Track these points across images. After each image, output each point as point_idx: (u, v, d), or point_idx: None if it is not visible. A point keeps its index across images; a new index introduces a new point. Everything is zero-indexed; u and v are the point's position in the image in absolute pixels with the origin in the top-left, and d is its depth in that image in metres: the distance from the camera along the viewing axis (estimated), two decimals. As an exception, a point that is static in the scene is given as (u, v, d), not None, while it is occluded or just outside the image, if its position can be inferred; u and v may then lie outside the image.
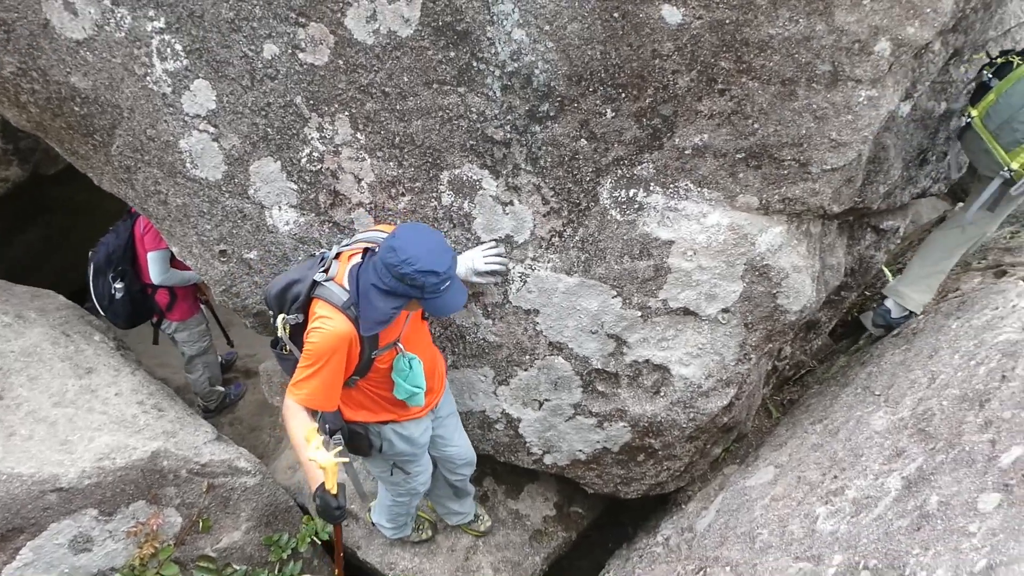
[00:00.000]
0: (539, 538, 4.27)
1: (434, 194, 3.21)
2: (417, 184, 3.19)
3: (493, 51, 2.85)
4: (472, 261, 3.21)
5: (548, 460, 3.85)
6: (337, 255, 2.94)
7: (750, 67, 2.76)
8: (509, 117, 2.98)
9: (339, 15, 2.86)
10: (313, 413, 2.83)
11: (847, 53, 2.71)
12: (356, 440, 3.25)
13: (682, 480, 3.95)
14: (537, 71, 2.86)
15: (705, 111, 2.88)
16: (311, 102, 3.06)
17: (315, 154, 3.18)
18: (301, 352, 2.84)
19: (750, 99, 2.82)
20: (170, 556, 3.50)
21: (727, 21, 2.68)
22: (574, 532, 4.39)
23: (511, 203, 3.18)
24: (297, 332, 2.94)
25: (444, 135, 3.06)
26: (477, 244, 3.28)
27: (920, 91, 3.12)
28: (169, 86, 3.07)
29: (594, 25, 2.74)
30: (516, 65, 2.86)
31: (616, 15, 2.71)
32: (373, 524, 4.17)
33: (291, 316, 2.91)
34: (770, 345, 3.44)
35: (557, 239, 3.24)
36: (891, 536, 2.15)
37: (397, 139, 3.10)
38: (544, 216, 3.19)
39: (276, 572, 3.87)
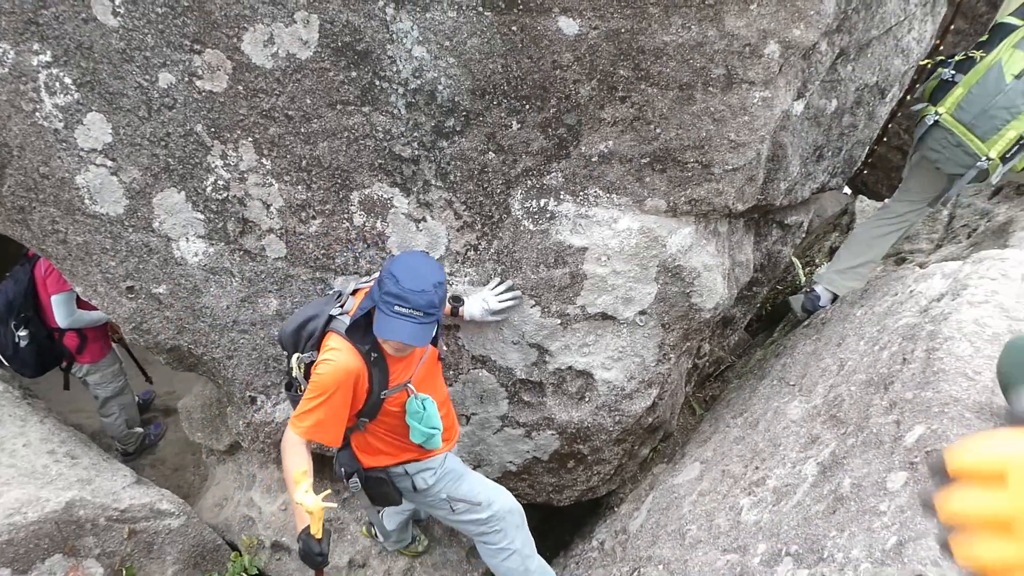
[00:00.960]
0: (476, 554, 4.24)
1: (345, 215, 3.18)
2: (327, 206, 3.16)
3: (395, 69, 2.85)
4: (486, 302, 3.19)
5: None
6: (354, 291, 2.90)
7: (648, 74, 2.83)
8: (416, 134, 2.98)
9: (235, 40, 2.81)
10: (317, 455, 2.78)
11: (739, 57, 2.80)
12: (378, 487, 3.10)
13: (613, 483, 3.99)
14: (440, 87, 2.86)
15: (608, 118, 2.93)
16: (212, 130, 3.00)
17: (220, 182, 3.11)
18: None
19: (650, 105, 2.89)
20: (93, 608, 3.36)
21: (623, 30, 2.74)
22: (511, 545, 4.37)
23: (424, 219, 3.17)
24: (311, 370, 2.85)
25: (351, 155, 3.04)
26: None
27: (811, 90, 3.24)
28: (60, 121, 2.97)
29: (493, 39, 2.76)
30: (419, 82, 2.86)
31: (515, 28, 2.74)
32: (375, 536, 4.04)
33: (306, 354, 2.84)
34: (688, 343, 3.52)
35: (472, 253, 3.25)
36: (809, 521, 2.21)
37: (304, 162, 3.07)
38: (458, 231, 3.20)
39: (207, 614, 3.76)
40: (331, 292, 3.06)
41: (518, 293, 3.27)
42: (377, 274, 2.93)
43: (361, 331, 2.72)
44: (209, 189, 3.12)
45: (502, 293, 3.23)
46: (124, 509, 3.55)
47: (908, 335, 2.64)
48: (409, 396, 2.88)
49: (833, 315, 3.51)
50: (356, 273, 3.31)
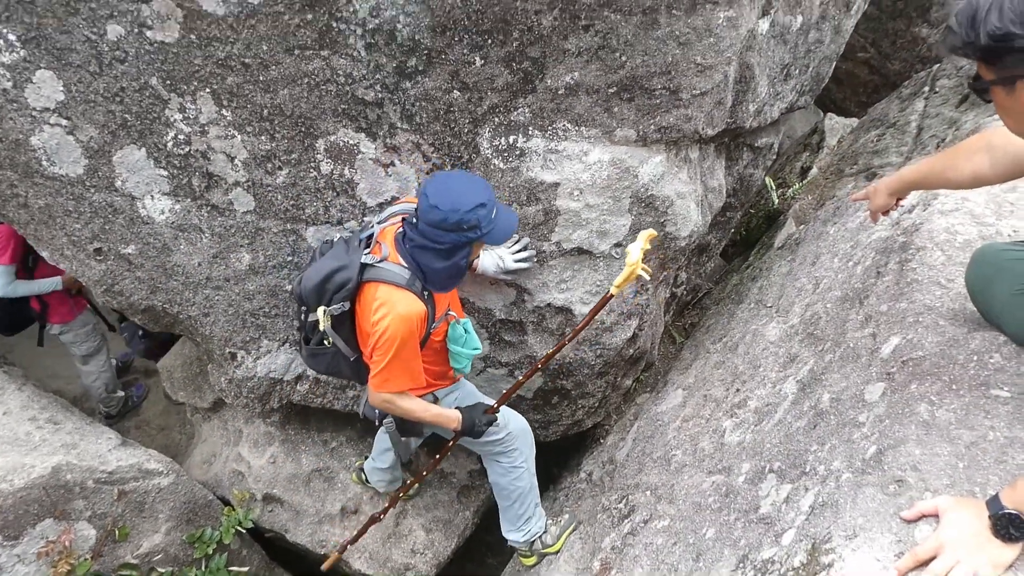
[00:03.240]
0: (467, 493, 4.30)
1: (312, 164, 3.12)
2: (293, 156, 3.10)
3: (352, 9, 2.77)
4: (501, 260, 3.18)
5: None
6: (370, 236, 2.85)
7: (610, 0, 2.77)
8: (378, 76, 2.91)
9: (183, -13, 2.72)
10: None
11: (702, -24, 2.75)
12: (406, 424, 3.17)
13: (598, 415, 4.04)
14: (400, 25, 2.79)
15: (572, 49, 2.87)
16: (168, 82, 2.91)
17: (181, 136, 3.04)
18: (347, 342, 2.85)
19: (614, 32, 2.83)
20: (88, 570, 3.37)
21: (582, -45, 2.67)
22: (501, 481, 4.44)
23: (392, 164, 3.13)
24: (341, 321, 2.82)
25: (314, 102, 2.97)
26: (363, 210, 3.22)
27: (776, 7, 3.20)
28: (9, 80, 2.87)
29: (451, -28, 2.69)
30: (377, 21, 2.78)
31: (472, -41, 2.66)
32: (366, 482, 4.11)
33: (336, 306, 2.77)
34: (665, 273, 3.53)
35: (444, 195, 3.21)
36: (791, 438, 2.26)
37: (265, 111, 2.99)
38: (427, 173, 3.15)
39: (203, 569, 3.79)
40: (340, 240, 2.95)
41: (533, 253, 3.25)
42: (392, 211, 2.93)
43: (414, 271, 2.73)
44: (170, 144, 3.05)
45: (518, 252, 3.22)
46: (112, 471, 3.55)
47: (881, 248, 2.66)
48: (451, 322, 2.95)
49: (807, 235, 3.53)
50: (328, 223, 3.27)
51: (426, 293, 2.77)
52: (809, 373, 2.49)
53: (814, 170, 5.08)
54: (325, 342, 2.90)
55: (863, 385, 2.14)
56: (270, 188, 3.18)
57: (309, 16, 2.78)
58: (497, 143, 3.07)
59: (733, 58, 2.98)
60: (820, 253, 3.18)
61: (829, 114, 6.11)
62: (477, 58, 2.87)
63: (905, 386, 1.97)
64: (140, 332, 5.42)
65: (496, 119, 3.03)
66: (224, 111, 2.99)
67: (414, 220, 2.68)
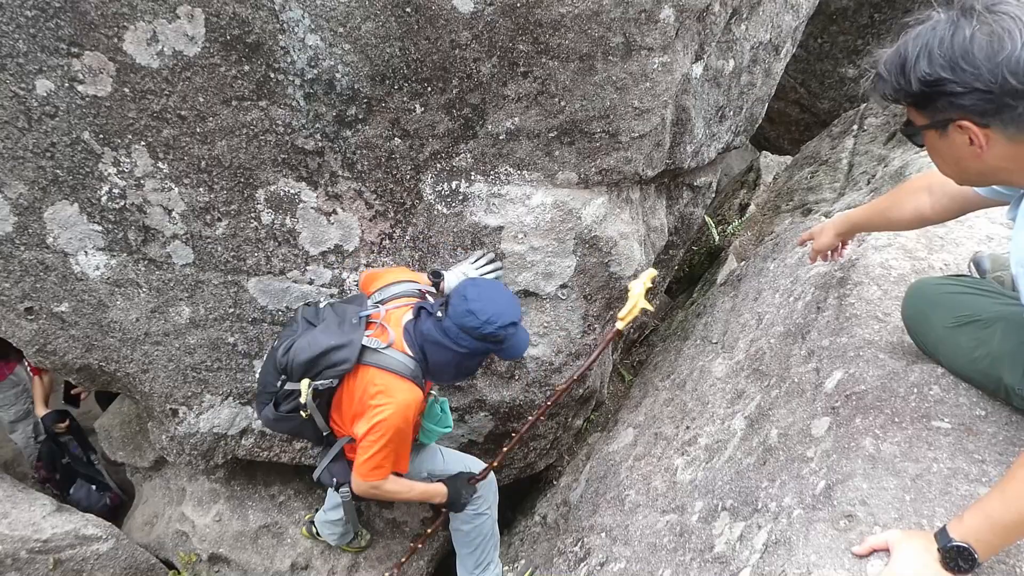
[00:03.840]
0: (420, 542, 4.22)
1: (252, 214, 3.08)
2: (233, 207, 3.06)
3: (289, 60, 2.76)
4: (465, 276, 3.10)
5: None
6: (369, 316, 2.77)
7: (548, 47, 2.81)
8: (318, 125, 2.90)
9: (116, 40, 2.67)
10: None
11: (635, 23, 2.81)
12: None
13: (550, 457, 4.02)
14: (338, 75, 2.79)
15: (512, 95, 2.90)
16: (101, 136, 2.86)
17: (115, 190, 2.97)
18: (324, 416, 2.84)
19: (553, 78, 2.87)
20: (23, 646, 3.21)
21: (518, 5, 2.71)
22: (455, 528, 4.36)
23: (334, 212, 3.10)
24: (323, 396, 2.78)
25: (253, 152, 2.94)
26: (306, 260, 3.19)
27: (709, 51, 3.28)
28: (-68, 138, 2.79)
29: (388, 22, 2.70)
30: (316, 71, 2.78)
31: (409, 10, 2.68)
32: (316, 535, 3.97)
33: (324, 381, 2.71)
34: (611, 312, 3.54)
35: (388, 241, 3.19)
36: (742, 474, 2.27)
37: (203, 163, 2.95)
38: (371, 220, 3.14)
39: (147, 636, 3.64)
40: (327, 308, 2.87)
41: (500, 265, 3.21)
42: (397, 292, 2.87)
43: (419, 362, 2.73)
44: (104, 199, 2.98)
45: (484, 266, 3.18)
46: (46, 539, 3.40)
47: (820, 284, 2.72)
48: (430, 399, 2.98)
49: (748, 271, 3.59)
50: (270, 273, 3.22)
51: (423, 379, 2.77)
52: (756, 409, 2.51)
53: (752, 207, 5.20)
54: (301, 412, 2.82)
55: (809, 420, 2.17)
56: (209, 240, 3.12)
57: (246, 67, 2.76)
58: (440, 188, 3.08)
59: (669, 101, 3.04)
60: (762, 289, 3.24)
61: (764, 152, 6.28)
62: (417, 105, 2.88)
63: (850, 420, 2.00)
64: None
65: (438, 165, 3.04)
66: (160, 164, 2.94)
67: (438, 314, 2.67)
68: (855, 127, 4.62)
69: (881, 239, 2.67)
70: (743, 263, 3.97)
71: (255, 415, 3.55)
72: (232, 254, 3.16)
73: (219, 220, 3.08)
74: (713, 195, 4.17)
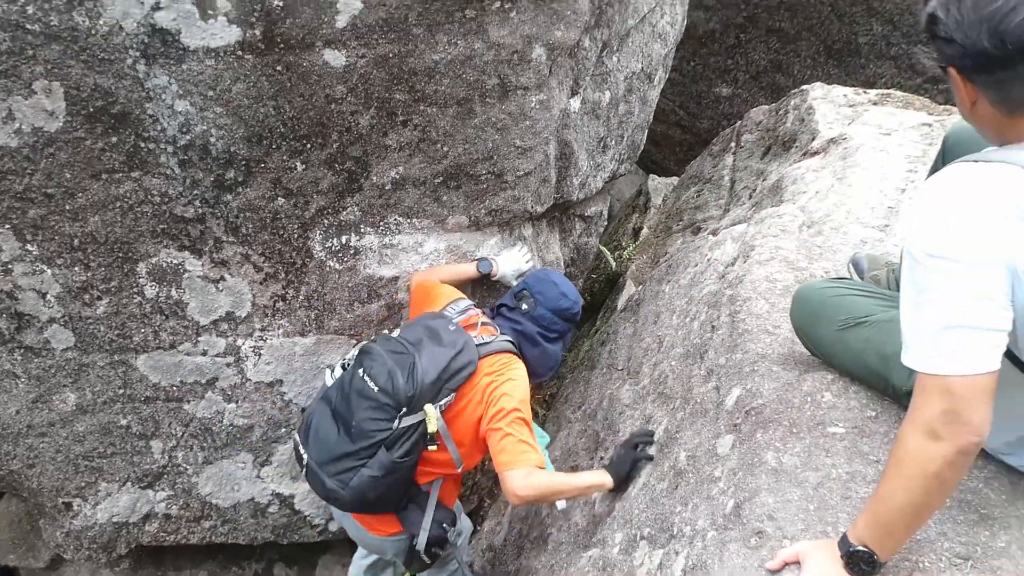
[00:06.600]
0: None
1: (135, 289, 2.95)
2: (113, 283, 2.92)
3: (159, 128, 2.67)
4: (518, 263, 3.24)
5: (333, 527, 3.69)
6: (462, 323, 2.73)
7: (425, 94, 2.82)
8: (196, 191, 2.82)
9: (-33, 122, 2.54)
10: None
11: (509, 64, 2.85)
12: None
13: (471, 502, 3.97)
14: (213, 139, 2.72)
15: (394, 144, 2.89)
16: (-41, 223, 2.70)
17: (-19, 279, 2.80)
18: (450, 444, 2.54)
19: (433, 125, 2.88)
20: None
21: (391, 55, 2.71)
22: (382, 585, 4.24)
23: (222, 279, 3.01)
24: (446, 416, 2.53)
25: (129, 225, 2.83)
26: (197, 331, 3.07)
27: (584, 85, 3.36)
28: None
29: (260, 82, 2.65)
30: (189, 137, 2.70)
31: (280, 68, 2.65)
32: None
33: (445, 400, 2.50)
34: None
35: (281, 303, 3.11)
36: (656, 501, 2.28)
37: (76, 241, 2.82)
38: (261, 284, 3.06)
39: None
40: (418, 334, 2.61)
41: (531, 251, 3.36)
42: (463, 309, 2.83)
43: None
44: (-31, 289, 2.81)
45: (527, 254, 3.30)
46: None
47: (712, 303, 2.78)
48: None
49: (646, 295, 3.65)
50: (160, 348, 3.08)
51: None
52: (664, 432, 2.54)
53: (645, 230, 5.31)
54: (427, 447, 2.49)
55: (714, 439, 2.20)
56: (91, 320, 2.97)
57: (114, 139, 2.66)
58: (330, 245, 3.03)
59: (551, 137, 3.09)
60: (660, 312, 3.29)
61: (652, 175, 6.45)
62: (298, 163, 2.84)
63: (751, 436, 2.04)
64: None
65: (326, 221, 2.99)
66: (29, 246, 2.79)
67: (523, 307, 2.78)
68: (733, 144, 4.79)
69: (764, 253, 2.75)
70: (640, 287, 4.03)
71: (157, 498, 3.38)
72: (117, 333, 3.02)
73: (99, 299, 2.94)
74: (605, 223, 4.25)
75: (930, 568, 1.58)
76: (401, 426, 2.44)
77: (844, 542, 1.53)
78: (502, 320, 2.84)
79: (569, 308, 2.83)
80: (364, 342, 2.76)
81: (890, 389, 1.96)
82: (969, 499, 1.72)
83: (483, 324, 2.77)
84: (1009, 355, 1.49)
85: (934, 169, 2.18)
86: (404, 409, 2.44)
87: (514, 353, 2.70)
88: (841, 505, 1.74)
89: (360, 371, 2.54)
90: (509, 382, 2.55)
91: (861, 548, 1.49)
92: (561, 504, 2.90)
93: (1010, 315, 1.36)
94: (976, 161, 1.43)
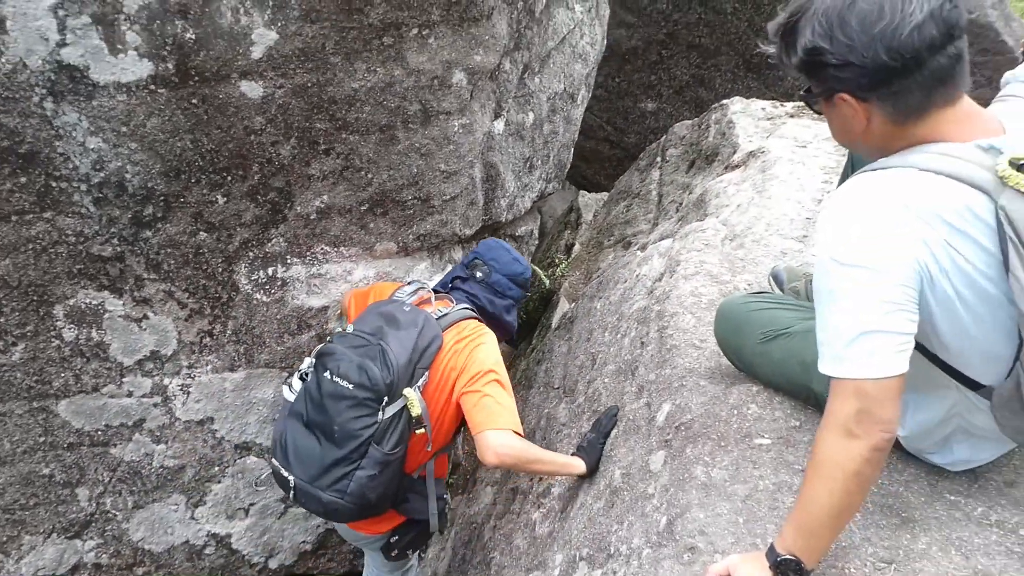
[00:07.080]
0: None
1: (52, 332, 2.86)
2: (28, 328, 2.82)
3: (71, 166, 2.60)
4: None
5: (274, 564, 3.61)
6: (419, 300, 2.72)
7: (346, 122, 2.80)
8: (113, 229, 2.75)
9: None
10: None
11: (430, 90, 2.86)
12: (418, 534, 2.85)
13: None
14: (128, 175, 2.66)
15: (317, 174, 2.87)
16: None
17: None
18: (428, 424, 2.46)
19: (356, 152, 2.87)
20: None
21: (309, 84, 2.69)
22: (329, 622, 4.16)
23: (145, 317, 2.93)
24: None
25: (43, 267, 2.74)
26: (121, 372, 2.98)
27: (507, 107, 3.38)
28: None
29: (175, 116, 2.61)
30: (103, 175, 2.64)
31: (195, 101, 2.61)
32: None
33: (420, 381, 2.45)
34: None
35: (209, 339, 3.05)
36: (594, 521, 2.28)
37: (-13, 286, 2.72)
38: (186, 320, 2.99)
39: None
40: (374, 323, 2.54)
41: None
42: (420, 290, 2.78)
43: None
44: None
45: None
46: None
47: (641, 319, 2.82)
48: None
49: (579, 312, 3.67)
50: (82, 392, 2.98)
51: None
52: (600, 451, 2.55)
53: (577, 246, 5.35)
54: (414, 431, 2.46)
55: (647, 456, 2.22)
56: (6, 367, 2.86)
57: (23, 179, 2.58)
58: (256, 277, 2.98)
59: (475, 160, 3.10)
60: (592, 329, 3.32)
61: (582, 191, 6.51)
62: (219, 196, 2.79)
63: (682, 451, 2.06)
64: None
65: (251, 253, 2.94)
66: (-64, 293, 2.68)
67: (477, 275, 2.78)
68: (659, 159, 4.87)
69: (689, 268, 2.80)
70: (573, 304, 4.06)
71: (85, 547, 3.26)
72: (35, 379, 2.91)
73: (14, 344, 2.83)
74: (537, 241, 4.27)
75: (855, 573, 1.62)
76: (385, 417, 2.40)
77: (772, 552, 1.55)
78: (457, 292, 2.82)
79: (522, 272, 2.89)
80: (319, 346, 2.68)
81: (812, 396, 2.01)
82: (891, 503, 1.77)
83: (437, 299, 2.76)
84: (933, 357, 1.55)
85: (843, 179, 2.25)
86: (385, 399, 2.39)
87: (476, 319, 2.71)
88: (769, 516, 1.77)
89: (327, 374, 2.45)
90: (481, 347, 2.55)
91: (788, 557, 1.51)
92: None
93: (916, 318, 1.41)
94: (875, 170, 1.49)
